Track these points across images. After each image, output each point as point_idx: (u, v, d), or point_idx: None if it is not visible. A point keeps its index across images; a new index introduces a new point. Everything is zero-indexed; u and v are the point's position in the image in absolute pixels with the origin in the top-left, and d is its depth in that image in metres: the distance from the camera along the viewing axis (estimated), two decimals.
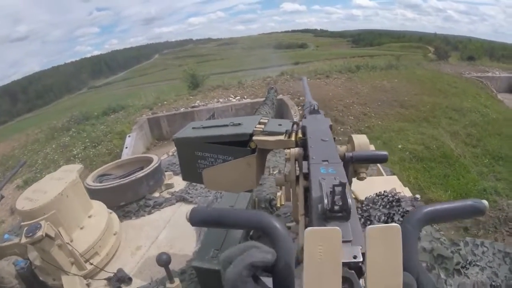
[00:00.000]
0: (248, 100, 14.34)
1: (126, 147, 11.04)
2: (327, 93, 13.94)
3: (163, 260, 1.74)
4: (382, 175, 3.39)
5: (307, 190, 0.95)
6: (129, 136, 11.87)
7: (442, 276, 2.02)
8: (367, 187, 2.65)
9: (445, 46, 36.30)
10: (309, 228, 0.54)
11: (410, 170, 9.28)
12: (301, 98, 12.62)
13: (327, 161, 0.98)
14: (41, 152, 13.49)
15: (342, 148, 1.27)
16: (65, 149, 13.17)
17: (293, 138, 1.58)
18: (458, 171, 9.02)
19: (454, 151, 9.98)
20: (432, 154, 10.03)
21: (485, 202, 0.71)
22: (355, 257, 0.55)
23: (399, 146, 10.55)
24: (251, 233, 2.55)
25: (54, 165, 11.48)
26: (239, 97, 15.08)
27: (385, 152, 1.17)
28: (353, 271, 0.53)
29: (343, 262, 0.52)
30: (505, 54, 38.79)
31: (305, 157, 1.14)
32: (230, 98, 15.08)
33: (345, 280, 0.52)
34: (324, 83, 15.79)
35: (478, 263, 2.23)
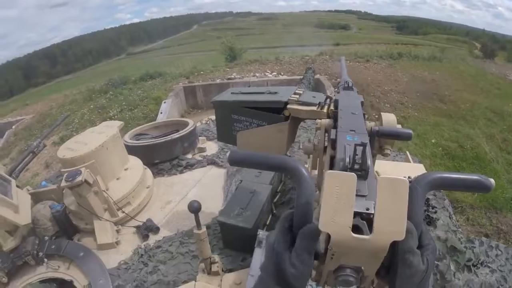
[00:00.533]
0: (285, 77, 14.20)
1: (161, 113, 11.20)
2: (366, 78, 13.66)
3: (194, 207, 1.81)
4: (410, 162, 3.37)
5: (333, 159, 0.99)
6: (164, 102, 12.03)
7: (452, 268, 2.03)
8: (392, 171, 2.65)
9: (492, 44, 34.58)
10: (329, 171, 0.59)
11: (441, 166, 9.10)
12: (338, 79, 12.12)
13: (354, 131, 1.02)
14: (78, 112, 13.88)
15: (371, 123, 1.29)
16: (102, 111, 13.53)
17: (325, 110, 1.69)
18: (489, 176, 8.58)
19: (487, 155, 9.66)
20: (464, 153, 9.76)
21: (492, 180, 0.73)
22: (367, 209, 0.59)
23: (433, 141, 10.30)
24: (275, 199, 2.62)
25: (90, 125, 11.47)
26: (275, 73, 14.98)
27: (409, 130, 1.20)
28: (364, 222, 0.57)
29: (357, 212, 0.57)
30: None
31: (335, 128, 1.18)
32: (267, 74, 15.01)
33: (356, 228, 0.57)
34: (363, 67, 15.43)
35: (489, 265, 2.24)
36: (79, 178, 2.38)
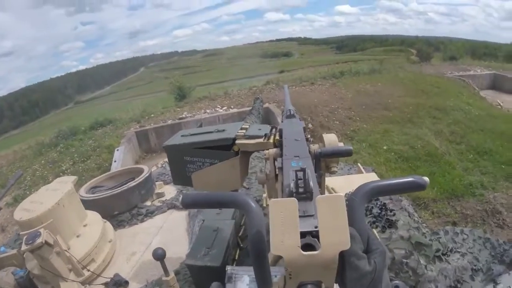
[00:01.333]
0: (235, 110, 14.40)
1: (115, 161, 11.00)
2: (312, 100, 14.01)
3: (159, 254, 1.85)
4: (362, 173, 3.57)
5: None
6: (117, 149, 11.83)
7: (422, 262, 2.12)
8: (346, 184, 2.81)
9: (427, 48, 36.89)
10: (272, 199, 0.65)
11: (396, 170, 9.38)
12: (282, 107, 12.43)
13: (298, 156, 1.10)
14: (29, 169, 13.24)
15: (314, 146, 1.39)
16: (53, 165, 13.00)
17: (271, 140, 1.75)
18: (444, 168, 9.15)
19: (438, 149, 10.14)
20: (417, 153, 10.16)
21: (426, 178, 0.79)
22: (316, 227, 0.64)
23: (384, 147, 10.67)
24: (240, 234, 2.69)
25: (43, 182, 11.31)
26: (226, 107, 15.11)
27: (349, 147, 1.30)
28: (315, 239, 0.62)
29: (306, 231, 0.62)
30: (487, 52, 39.81)
31: (281, 156, 1.28)
32: (217, 109, 15.11)
33: (309, 246, 0.61)
34: (309, 90, 15.87)
35: (459, 250, 2.36)
36: (39, 240, 2.34)
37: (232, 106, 15.19)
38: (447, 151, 10.12)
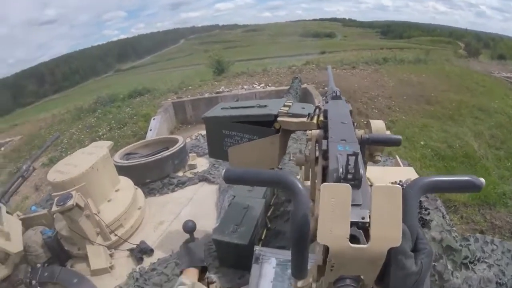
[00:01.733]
0: (273, 88, 14.27)
1: (151, 130, 11.18)
2: (352, 84, 13.75)
3: (189, 227, 1.82)
4: (400, 166, 3.39)
5: (325, 169, 1.01)
6: (153, 119, 12.01)
7: (449, 267, 2.04)
8: (382, 175, 2.65)
9: (476, 43, 35.32)
10: (324, 184, 0.60)
11: (431, 168, 9.12)
12: (325, 88, 12.19)
13: (344, 140, 1.03)
14: (66, 132, 13.80)
15: (360, 131, 1.31)
16: (90, 130, 13.50)
17: (314, 121, 1.66)
18: (479, 173, 8.62)
19: (476, 152, 9.76)
20: (454, 153, 9.82)
21: (482, 179, 0.75)
22: (363, 218, 0.61)
23: (422, 143, 10.34)
24: (269, 213, 2.61)
25: (79, 145, 11.61)
26: (263, 85, 15.07)
27: (399, 136, 1.24)
28: (360, 231, 0.59)
29: (352, 221, 0.59)
30: None
31: (325, 138, 1.19)
32: (255, 85, 15.10)
33: (353, 237, 0.58)
34: (350, 74, 15.56)
35: (486, 260, 2.25)
36: (70, 202, 2.32)
37: (270, 84, 15.11)
38: (485, 155, 9.71)
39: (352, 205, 0.61)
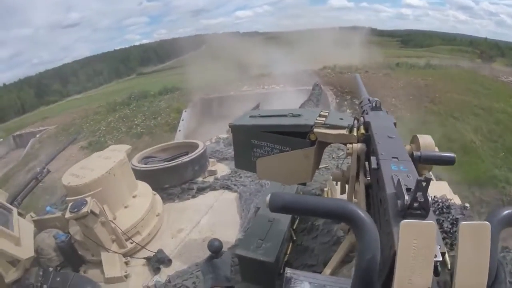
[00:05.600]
0: (292, 88, 15.31)
1: (183, 120, 12.59)
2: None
3: (216, 247, 1.74)
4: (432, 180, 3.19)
5: (368, 187, 0.91)
6: (185, 111, 13.47)
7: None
8: None
9: (490, 51, 34.95)
10: (404, 221, 0.53)
11: None
12: (345, 90, 14.45)
13: (396, 158, 0.95)
14: (103, 121, 15.20)
15: (407, 147, 1.19)
16: (126, 119, 14.86)
17: (355, 133, 1.57)
18: (473, 160, 9.65)
19: (473, 143, 10.70)
20: (451, 143, 10.52)
21: None
22: (435, 256, 0.53)
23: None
24: (294, 226, 2.48)
25: (116, 131, 13.49)
26: (282, 85, 16.12)
27: (452, 154, 1.14)
28: (439, 279, 0.56)
29: None
30: None
31: (368, 153, 1.09)
32: (274, 86, 16.27)
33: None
34: (362, 77, 15.97)
35: None
36: (84, 209, 2.25)
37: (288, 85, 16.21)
38: (481, 146, 10.64)
39: None
